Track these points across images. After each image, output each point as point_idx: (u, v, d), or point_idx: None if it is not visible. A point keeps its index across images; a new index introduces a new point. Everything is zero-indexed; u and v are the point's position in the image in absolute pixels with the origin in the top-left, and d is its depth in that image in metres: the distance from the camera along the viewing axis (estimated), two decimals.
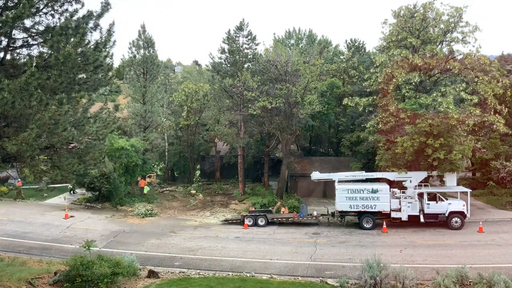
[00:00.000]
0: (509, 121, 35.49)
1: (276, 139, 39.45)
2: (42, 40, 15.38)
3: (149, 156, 39.95)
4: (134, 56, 43.46)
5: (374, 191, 29.19)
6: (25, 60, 15.65)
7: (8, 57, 16.43)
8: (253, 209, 32.74)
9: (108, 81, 17.42)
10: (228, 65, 40.86)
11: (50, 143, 15.42)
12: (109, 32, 16.37)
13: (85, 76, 15.91)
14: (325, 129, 49.23)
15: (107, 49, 16.14)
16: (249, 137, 44.16)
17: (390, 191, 29.59)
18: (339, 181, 30.80)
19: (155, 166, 49.34)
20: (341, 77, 48.91)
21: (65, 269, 17.37)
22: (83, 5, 16.21)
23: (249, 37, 40.54)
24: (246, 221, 30.05)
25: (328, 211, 31.85)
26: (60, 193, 40.29)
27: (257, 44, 40.93)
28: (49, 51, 14.59)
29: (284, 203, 34.15)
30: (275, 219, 30.40)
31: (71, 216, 31.76)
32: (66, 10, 16.24)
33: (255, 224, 30.07)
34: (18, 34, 16.06)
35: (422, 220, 28.62)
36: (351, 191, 29.44)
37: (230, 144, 43.99)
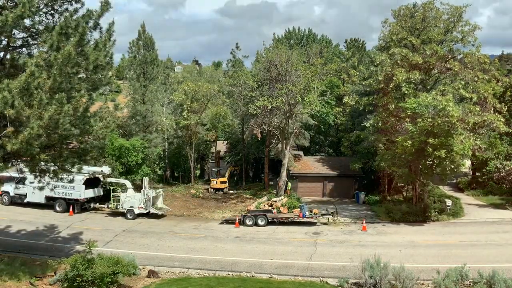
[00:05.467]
0: (509, 120, 35.51)
1: (276, 138, 39.45)
2: (42, 40, 15.37)
3: (148, 152, 39.84)
4: (134, 56, 43.48)
5: None
6: (25, 59, 15.65)
7: (8, 56, 16.43)
8: (253, 208, 32.71)
9: (108, 81, 17.43)
10: None
11: (50, 142, 15.42)
12: (109, 32, 16.37)
13: (85, 76, 15.92)
14: (325, 128, 49.23)
15: (107, 49, 16.15)
16: (249, 137, 44.26)
17: None
18: None
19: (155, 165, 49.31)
20: (341, 76, 48.92)
21: (65, 269, 17.35)
22: (83, 4, 16.25)
23: None
24: (246, 221, 30.04)
25: (328, 210, 31.83)
26: None
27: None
28: (49, 51, 14.58)
29: (284, 203, 34.12)
30: (275, 219, 30.38)
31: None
32: (66, 9, 16.27)
33: (255, 224, 30.05)
34: (18, 34, 16.07)
35: None
36: None
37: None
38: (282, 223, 30.28)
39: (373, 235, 27.30)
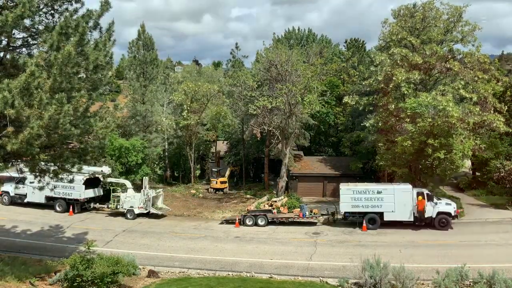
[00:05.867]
0: (509, 120, 35.52)
1: (276, 138, 39.46)
2: (42, 40, 15.38)
3: (148, 152, 39.90)
4: (134, 56, 43.49)
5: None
6: (25, 59, 15.66)
7: (8, 56, 16.44)
8: (253, 208, 32.71)
9: (108, 81, 17.43)
10: None
11: (50, 142, 15.41)
12: (109, 32, 16.38)
13: (85, 76, 15.92)
14: (325, 128, 49.26)
15: (107, 48, 16.16)
16: (249, 137, 44.26)
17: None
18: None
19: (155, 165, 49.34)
20: (341, 76, 48.91)
21: (65, 269, 17.34)
22: (83, 4, 16.25)
23: None
24: (246, 221, 30.05)
25: (328, 211, 31.79)
26: None
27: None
28: (49, 51, 14.59)
29: (284, 203, 34.11)
30: (275, 219, 30.38)
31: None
32: (66, 9, 16.28)
33: (255, 224, 30.05)
34: (18, 34, 16.07)
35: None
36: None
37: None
38: (282, 223, 30.28)
39: (373, 235, 27.27)
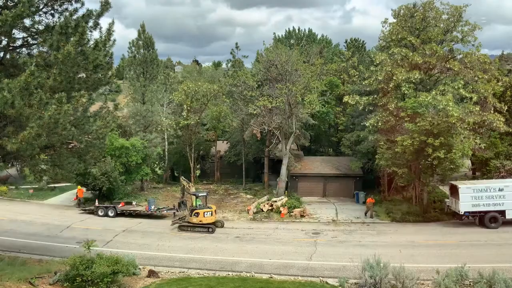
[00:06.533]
0: (509, 120, 35.52)
1: (276, 138, 39.45)
2: (42, 39, 15.40)
3: (148, 152, 39.88)
4: (134, 56, 43.46)
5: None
6: (25, 59, 15.67)
7: (8, 56, 16.45)
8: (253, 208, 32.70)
9: (108, 80, 17.43)
10: None
11: (50, 142, 15.42)
12: (109, 31, 16.38)
13: (84, 75, 15.93)
14: (325, 128, 49.22)
15: (106, 48, 16.16)
16: (249, 137, 44.23)
17: None
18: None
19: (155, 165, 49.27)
20: (341, 76, 48.87)
21: (65, 268, 17.35)
22: (83, 4, 16.27)
23: None
24: (98, 212, 32.08)
25: (174, 206, 32.34)
26: (60, 193, 40.12)
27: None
28: (49, 50, 14.60)
29: (284, 203, 34.13)
30: (124, 211, 32.21)
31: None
32: (66, 9, 16.29)
33: (106, 215, 31.98)
34: (18, 34, 16.09)
35: None
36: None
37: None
38: (130, 215, 32.14)
39: (373, 235, 27.30)
